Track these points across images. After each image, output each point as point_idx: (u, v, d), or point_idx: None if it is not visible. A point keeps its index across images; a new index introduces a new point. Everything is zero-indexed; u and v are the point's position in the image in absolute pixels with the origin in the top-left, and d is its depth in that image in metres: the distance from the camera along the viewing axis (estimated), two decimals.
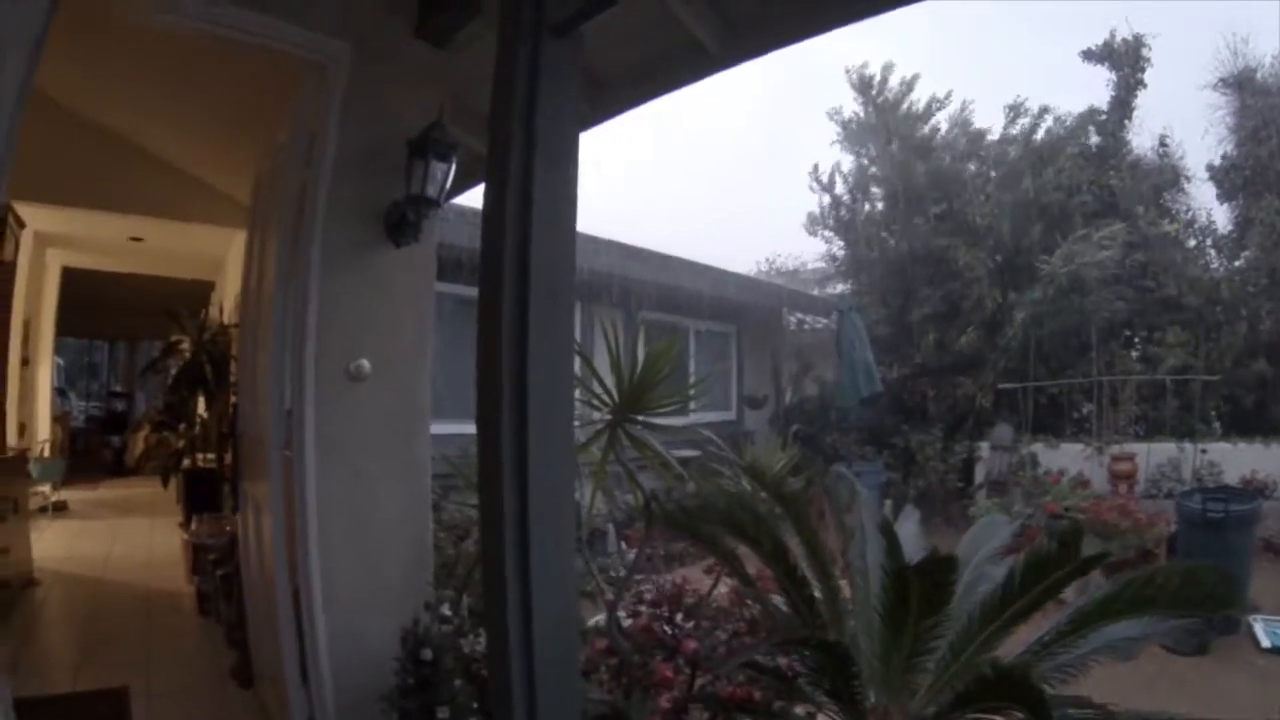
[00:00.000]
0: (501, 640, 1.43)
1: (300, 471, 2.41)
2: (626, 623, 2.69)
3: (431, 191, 2.47)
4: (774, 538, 2.11)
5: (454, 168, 2.56)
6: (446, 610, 2.51)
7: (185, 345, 5.63)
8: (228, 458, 4.18)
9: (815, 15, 2.31)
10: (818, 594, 2.18)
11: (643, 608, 2.93)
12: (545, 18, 1.47)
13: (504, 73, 1.51)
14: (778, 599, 2.46)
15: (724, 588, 3.08)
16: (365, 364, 2.51)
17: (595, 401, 2.57)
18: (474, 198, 5.62)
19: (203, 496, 5.23)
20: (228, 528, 4.38)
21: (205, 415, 5.72)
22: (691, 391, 2.72)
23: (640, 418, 2.52)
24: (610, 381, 2.56)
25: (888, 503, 8.08)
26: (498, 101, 1.53)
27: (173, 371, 5.91)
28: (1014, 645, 2.01)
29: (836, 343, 8.88)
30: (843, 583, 2.38)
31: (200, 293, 8.28)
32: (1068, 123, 9.83)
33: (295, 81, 2.66)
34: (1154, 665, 4.07)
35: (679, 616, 2.92)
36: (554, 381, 1.50)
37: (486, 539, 1.50)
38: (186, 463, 5.59)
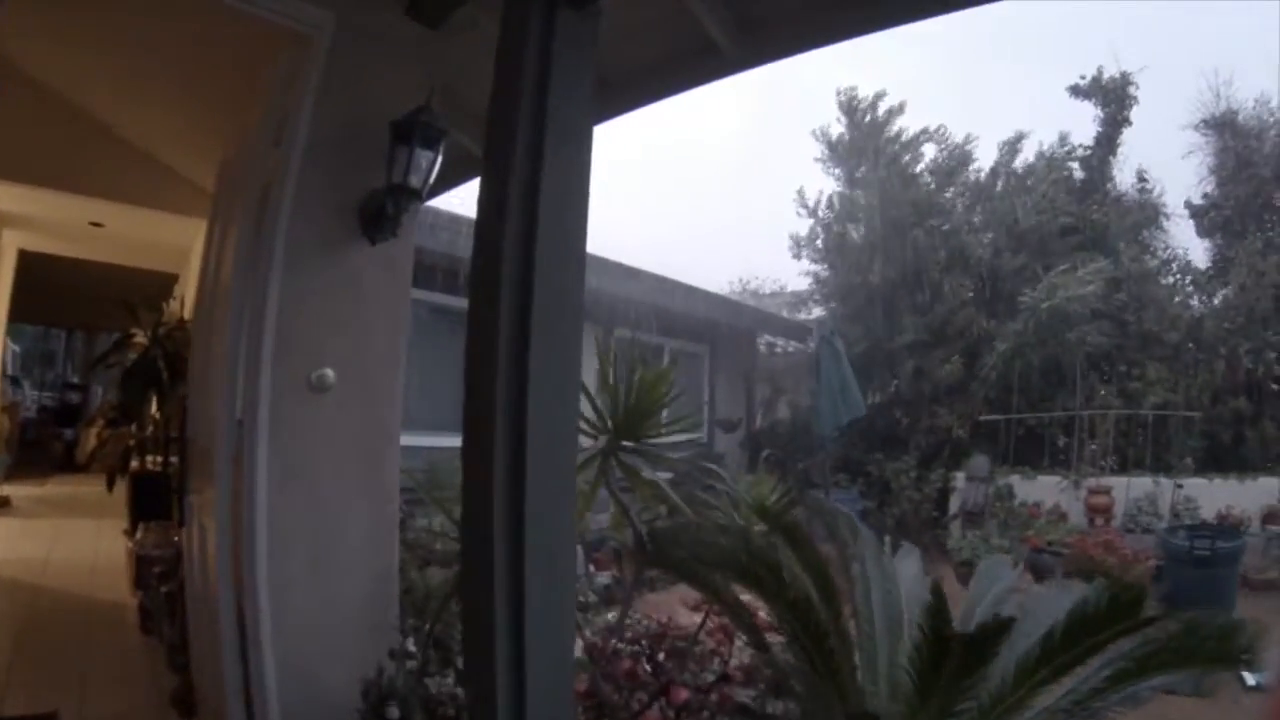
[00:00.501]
0: (487, 704, 1.21)
1: (251, 492, 2.12)
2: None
3: (415, 181, 2.21)
4: (793, 588, 1.91)
5: (440, 159, 2.30)
6: (410, 645, 2.27)
7: (139, 338, 5.30)
8: (176, 462, 3.88)
9: (830, 23, 2.23)
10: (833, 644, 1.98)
11: (622, 645, 2.73)
12: None
13: (510, 46, 1.31)
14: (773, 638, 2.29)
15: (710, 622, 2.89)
16: (330, 374, 2.23)
17: (586, 427, 2.34)
18: (448, 202, 5.44)
19: (150, 502, 4.87)
20: (175, 538, 4.07)
21: (157, 416, 5.37)
22: (692, 419, 2.49)
23: (633, 444, 2.30)
24: (599, 402, 2.34)
25: (886, 539, 7.94)
26: (501, 79, 1.32)
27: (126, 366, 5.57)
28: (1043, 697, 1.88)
29: (815, 367, 8.72)
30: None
31: (163, 285, 7.93)
32: (1050, 153, 9.94)
33: (270, 57, 2.40)
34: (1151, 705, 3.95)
35: (661, 656, 2.72)
36: (558, 402, 1.29)
37: (472, 586, 1.29)
38: (135, 464, 5.23)
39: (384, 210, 2.23)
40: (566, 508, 1.35)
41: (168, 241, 6.67)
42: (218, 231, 3.00)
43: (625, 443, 2.29)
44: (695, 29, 2.25)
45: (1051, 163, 9.93)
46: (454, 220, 6.04)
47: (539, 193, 1.23)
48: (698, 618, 3.01)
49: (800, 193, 11.45)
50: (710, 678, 2.72)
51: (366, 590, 2.34)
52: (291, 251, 2.18)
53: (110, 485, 5.23)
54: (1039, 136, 10.31)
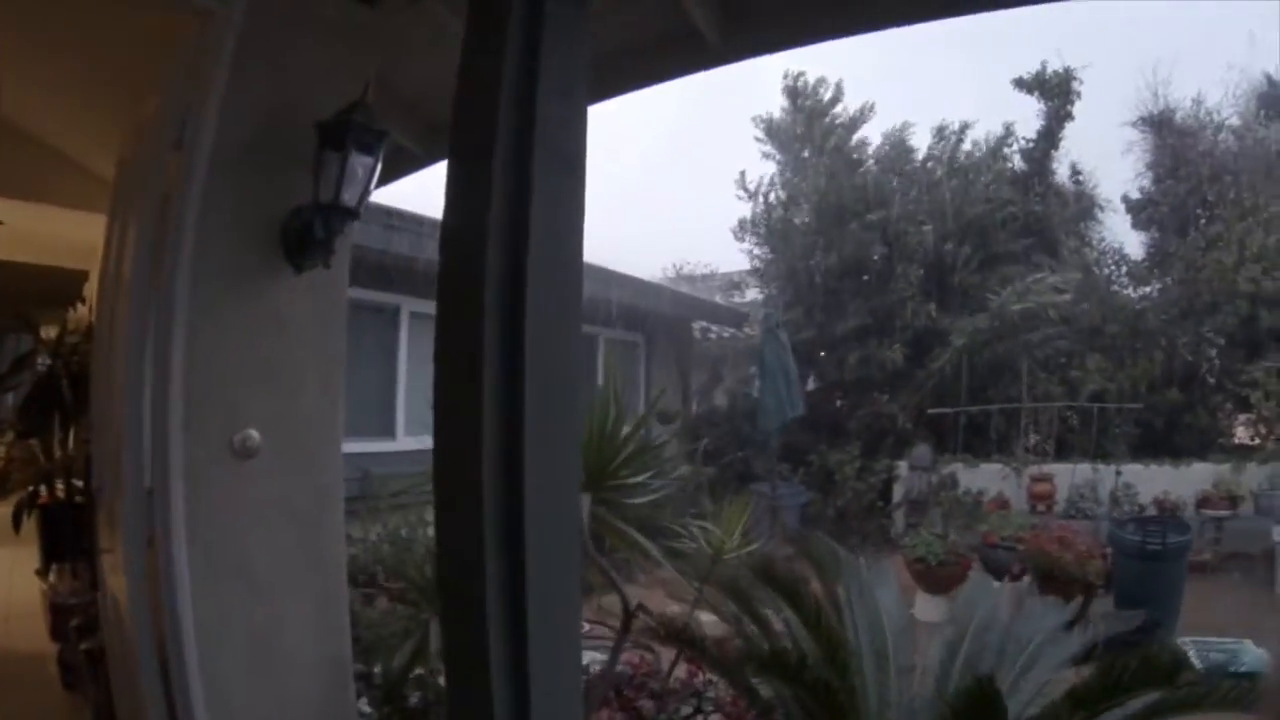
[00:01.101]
0: None
1: (170, 579, 1.76)
2: None
3: (349, 197, 1.84)
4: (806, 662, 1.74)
5: (379, 165, 1.93)
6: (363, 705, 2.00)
7: (41, 357, 4.76)
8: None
9: (821, 20, 2.11)
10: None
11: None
12: None
13: (487, 27, 1.06)
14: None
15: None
16: (255, 435, 1.87)
17: None
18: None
19: (64, 538, 4.37)
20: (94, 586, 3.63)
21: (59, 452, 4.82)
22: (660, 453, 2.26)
23: (598, 495, 2.05)
24: None
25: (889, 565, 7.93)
26: (473, 71, 1.07)
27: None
28: None
29: (759, 360, 8.58)
30: None
31: (73, 282, 7.28)
32: (992, 144, 10.07)
33: (170, 39, 1.99)
34: None
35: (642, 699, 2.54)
36: (558, 414, 1.05)
37: (462, 666, 1.06)
38: (43, 497, 4.71)
39: (311, 232, 1.85)
40: (571, 551, 1.13)
41: (75, 237, 6.07)
42: (115, 239, 2.55)
43: (601, 490, 2.04)
44: (680, 15, 2.04)
45: (994, 153, 10.06)
46: (384, 213, 5.68)
47: (530, 205, 0.99)
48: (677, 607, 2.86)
49: (742, 175, 11.27)
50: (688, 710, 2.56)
51: (317, 678, 2.01)
52: (200, 284, 1.79)
53: (16, 525, 4.71)
54: (983, 127, 10.42)
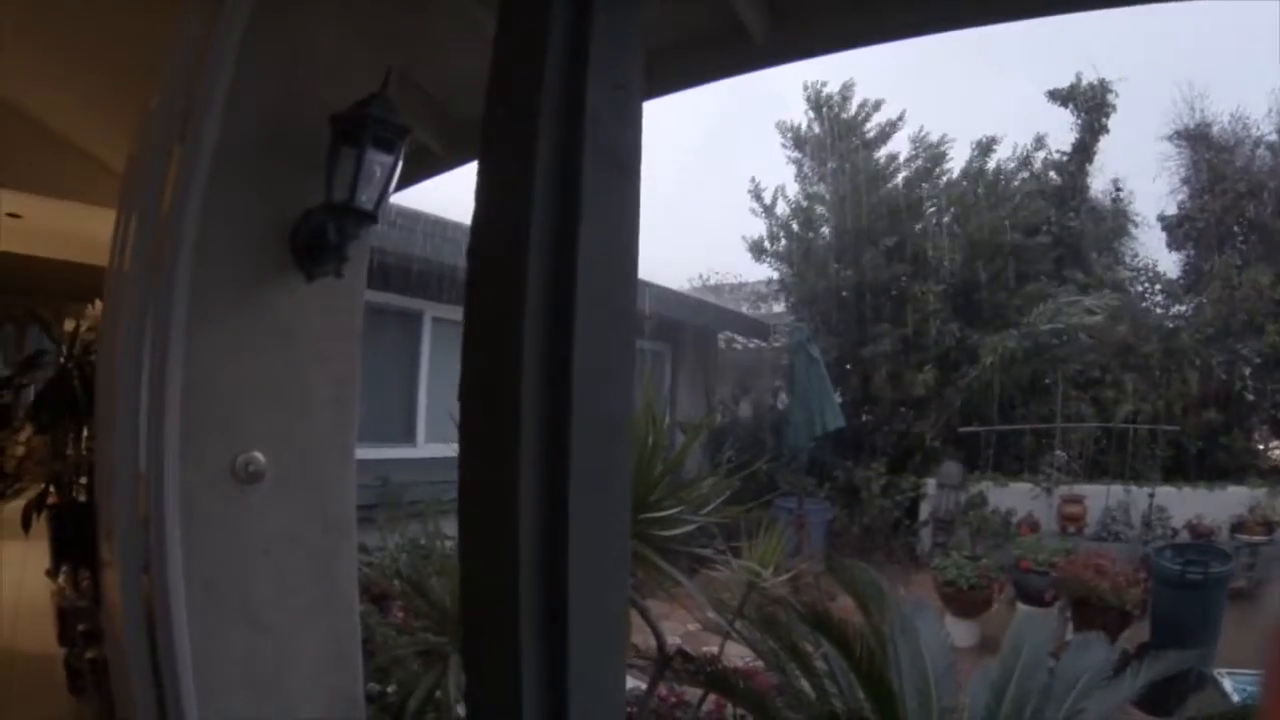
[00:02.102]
0: None
1: (165, 614, 1.60)
2: None
3: (365, 199, 1.67)
4: None
5: (400, 164, 1.76)
6: None
7: (52, 356, 4.67)
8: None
9: (872, 23, 1.98)
10: None
11: None
12: None
13: (531, 7, 0.91)
14: None
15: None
16: (259, 458, 1.71)
17: None
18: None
19: (75, 540, 4.28)
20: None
21: (72, 451, 4.74)
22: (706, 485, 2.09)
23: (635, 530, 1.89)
24: None
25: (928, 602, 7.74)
26: (510, 57, 0.92)
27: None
28: None
29: (789, 375, 8.45)
30: None
31: (93, 278, 7.26)
32: (1023, 156, 9.87)
33: (175, 21, 1.85)
34: None
35: None
36: (610, 462, 0.92)
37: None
38: (53, 495, 4.63)
39: (324, 236, 1.68)
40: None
41: (93, 233, 6.06)
42: (119, 238, 2.39)
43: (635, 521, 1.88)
44: (727, 14, 1.89)
45: (1024, 166, 9.84)
46: (408, 216, 5.59)
47: (579, 190, 0.84)
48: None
49: (756, 189, 10.99)
50: None
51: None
52: (201, 291, 1.62)
53: (26, 526, 4.63)
54: (1013, 140, 10.19)
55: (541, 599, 0.92)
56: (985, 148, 10.02)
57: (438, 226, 5.75)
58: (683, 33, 2.04)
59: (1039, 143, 9.82)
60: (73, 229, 6.10)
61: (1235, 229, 9.14)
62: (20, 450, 8.19)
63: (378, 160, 1.69)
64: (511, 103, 0.97)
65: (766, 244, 11.10)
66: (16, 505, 6.61)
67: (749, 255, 11.38)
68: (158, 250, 1.73)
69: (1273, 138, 9.44)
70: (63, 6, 2.58)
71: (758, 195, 10.98)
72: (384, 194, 1.76)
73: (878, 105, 10.47)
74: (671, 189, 23.41)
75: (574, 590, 0.92)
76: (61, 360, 4.48)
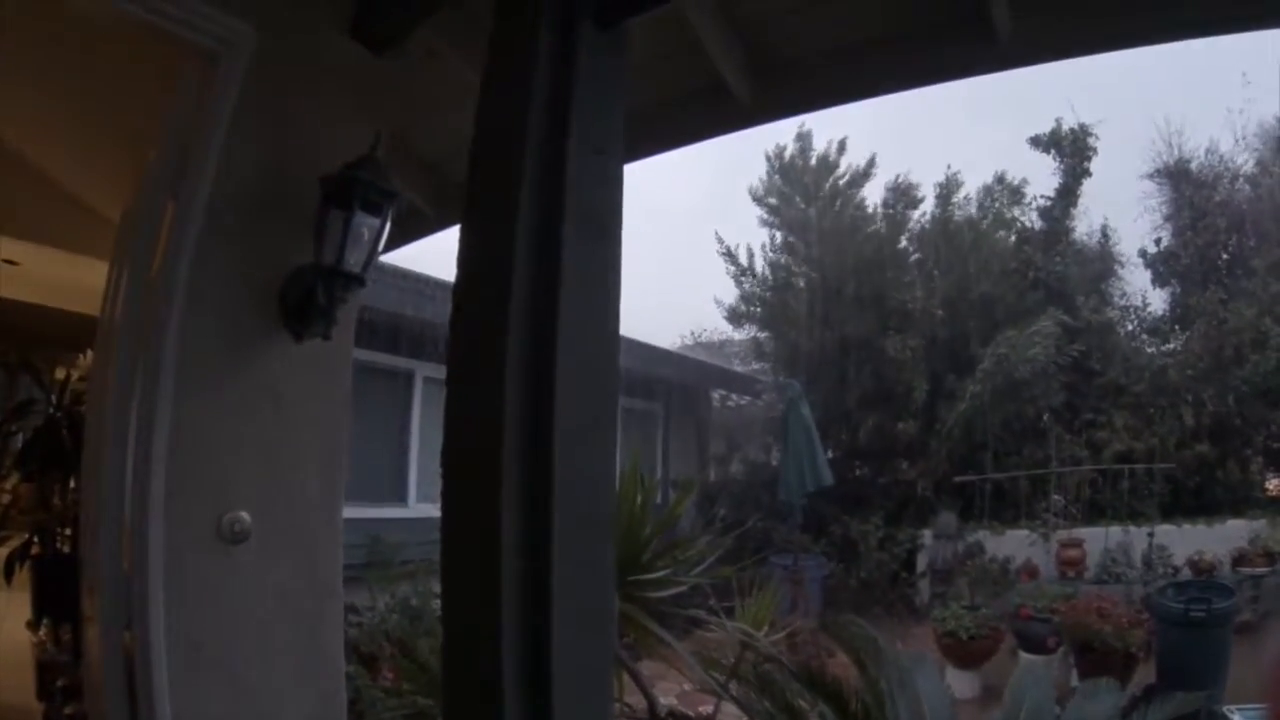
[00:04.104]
0: None
1: (146, 674, 1.57)
2: None
3: (353, 262, 1.69)
4: None
5: (388, 227, 1.79)
6: None
7: (40, 403, 4.64)
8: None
9: (845, 83, 2.04)
10: None
11: None
12: None
13: (509, 72, 0.93)
14: None
15: None
16: (245, 518, 1.69)
17: None
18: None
19: (58, 593, 4.19)
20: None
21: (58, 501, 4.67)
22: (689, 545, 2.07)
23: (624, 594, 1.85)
24: None
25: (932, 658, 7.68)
26: (492, 121, 0.95)
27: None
28: None
29: (782, 431, 8.52)
30: None
31: (87, 328, 7.27)
32: (997, 200, 10.05)
33: (172, 80, 1.87)
34: None
35: None
36: (593, 520, 0.92)
37: None
38: (36, 546, 4.55)
39: (313, 298, 1.69)
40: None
41: (90, 284, 6.09)
42: (111, 291, 2.42)
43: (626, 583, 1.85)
44: (710, 73, 1.95)
45: (1013, 208, 10.00)
46: (402, 276, 5.69)
47: (559, 252, 0.85)
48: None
49: (729, 251, 11.09)
50: None
51: None
52: (190, 348, 1.63)
53: (8, 576, 4.54)
54: (994, 186, 10.32)
55: (524, 659, 0.91)
56: (948, 190, 10.18)
57: (431, 287, 5.84)
58: (665, 94, 2.09)
59: (1014, 191, 9.98)
60: (69, 278, 6.13)
61: (1219, 263, 9.26)
62: (6, 498, 8.10)
63: (365, 223, 1.71)
64: (494, 166, 1.00)
65: (743, 307, 11.29)
66: (0, 554, 6.48)
67: (725, 321, 11.57)
68: (148, 304, 1.75)
69: (1250, 169, 9.65)
70: (68, 62, 2.64)
71: (732, 258, 11.09)
72: (372, 256, 1.78)
73: (842, 146, 10.68)
74: (665, 246, 23.68)
75: (557, 651, 0.91)
76: (51, 409, 4.44)
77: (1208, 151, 9.64)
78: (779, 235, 11.08)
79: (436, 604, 2.67)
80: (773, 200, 11.12)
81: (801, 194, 10.77)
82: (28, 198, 4.37)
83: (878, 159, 10.78)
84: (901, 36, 1.88)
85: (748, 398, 11.61)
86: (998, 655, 6.08)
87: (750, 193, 11.32)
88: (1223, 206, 9.33)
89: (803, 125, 10.90)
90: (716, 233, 11.78)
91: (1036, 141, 9.75)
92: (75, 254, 4.76)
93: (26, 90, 3.23)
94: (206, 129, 1.68)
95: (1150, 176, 9.93)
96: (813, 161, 10.84)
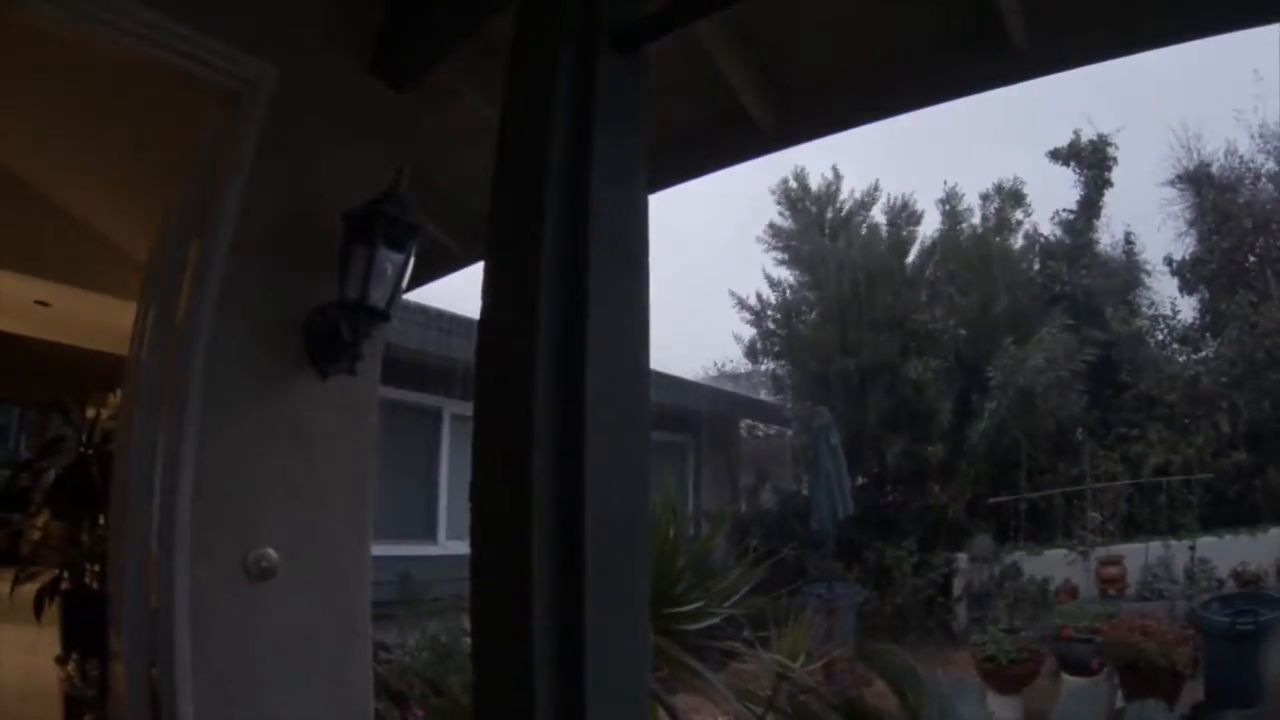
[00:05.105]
0: None
1: (173, 713, 1.56)
2: None
3: (378, 297, 1.69)
4: None
5: (411, 262, 1.79)
6: None
7: (70, 441, 4.71)
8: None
9: (861, 106, 2.04)
10: None
11: None
12: (600, 19, 0.90)
13: (528, 103, 0.92)
14: None
15: None
16: (272, 555, 1.68)
17: None
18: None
19: (86, 628, 4.22)
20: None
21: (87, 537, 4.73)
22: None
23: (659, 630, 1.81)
24: None
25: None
26: (513, 152, 0.94)
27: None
28: None
29: (812, 461, 8.47)
30: None
31: (116, 368, 7.43)
32: (1019, 215, 10.00)
33: (197, 121, 1.95)
34: None
35: None
36: (626, 554, 0.89)
37: None
38: (66, 582, 4.59)
39: (338, 334, 1.70)
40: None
41: (119, 323, 6.23)
42: (139, 331, 2.41)
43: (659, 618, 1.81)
44: (728, 98, 1.94)
45: (1004, 218, 9.96)
46: (429, 314, 5.75)
47: (586, 283, 0.84)
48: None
49: (743, 302, 11.23)
50: None
51: None
52: (215, 386, 1.64)
53: (39, 611, 4.59)
54: (991, 196, 10.28)
55: (558, 696, 0.88)
56: (954, 206, 10.16)
57: (457, 324, 5.91)
58: (684, 124, 2.09)
59: (1015, 196, 9.97)
60: (98, 318, 6.27)
61: (1246, 266, 9.05)
62: (36, 534, 8.21)
63: (389, 258, 1.71)
64: (516, 197, 0.98)
65: (760, 343, 11.38)
66: (31, 589, 6.56)
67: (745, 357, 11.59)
68: (175, 342, 1.77)
69: (1271, 168, 9.46)
70: (96, 106, 2.71)
71: (745, 306, 11.24)
72: (396, 292, 1.77)
73: (839, 176, 10.78)
74: (685, 277, 23.72)
75: (591, 689, 0.88)
76: (81, 447, 4.51)
77: (1227, 154, 9.47)
78: (791, 272, 11.17)
79: (466, 641, 2.65)
80: (782, 230, 11.21)
81: (808, 224, 10.84)
82: (58, 240, 4.48)
83: (881, 184, 10.82)
84: (919, 54, 1.87)
85: (775, 427, 11.60)
86: (1039, 679, 5.89)
87: (757, 237, 11.46)
88: (1247, 208, 9.14)
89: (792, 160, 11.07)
90: (730, 290, 11.79)
91: (1056, 155, 9.68)
92: (104, 294, 4.86)
93: (57, 135, 3.33)
94: (230, 168, 1.70)
95: (1171, 183, 9.77)
96: (814, 189, 10.96)
